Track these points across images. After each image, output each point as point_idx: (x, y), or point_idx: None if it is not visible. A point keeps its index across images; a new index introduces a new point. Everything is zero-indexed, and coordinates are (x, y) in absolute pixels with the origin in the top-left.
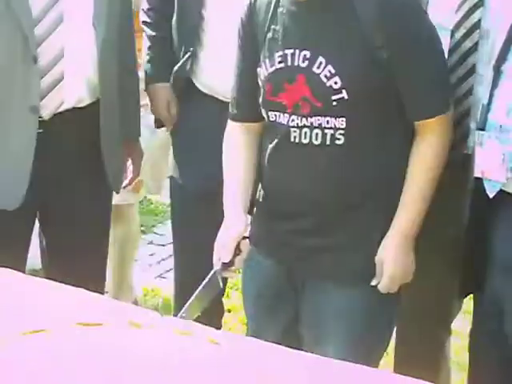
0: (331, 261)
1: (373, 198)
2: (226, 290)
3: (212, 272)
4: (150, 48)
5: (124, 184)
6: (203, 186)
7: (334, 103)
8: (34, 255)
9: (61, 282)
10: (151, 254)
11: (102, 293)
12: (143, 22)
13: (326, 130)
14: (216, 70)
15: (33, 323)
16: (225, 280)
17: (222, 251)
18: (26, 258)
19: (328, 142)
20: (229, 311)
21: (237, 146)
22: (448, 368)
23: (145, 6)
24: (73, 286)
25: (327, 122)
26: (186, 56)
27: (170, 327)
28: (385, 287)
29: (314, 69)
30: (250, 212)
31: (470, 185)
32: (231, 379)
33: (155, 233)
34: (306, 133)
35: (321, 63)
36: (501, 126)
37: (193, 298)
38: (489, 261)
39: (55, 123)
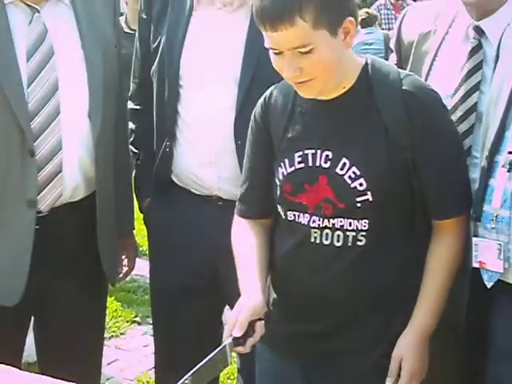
0: (347, 364)
1: (390, 298)
2: (222, 377)
3: (222, 345)
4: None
5: (119, 277)
6: (180, 281)
7: (358, 205)
8: (29, 347)
9: (56, 376)
10: (146, 346)
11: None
12: (130, 109)
13: (348, 232)
14: (189, 166)
15: None
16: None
17: (234, 326)
18: (22, 352)
19: (349, 244)
20: None
21: (246, 234)
22: None
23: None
24: (68, 381)
25: (349, 223)
26: (163, 150)
27: None
28: None
29: (338, 170)
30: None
31: (468, 274)
32: None
33: (150, 324)
34: (327, 234)
35: (344, 164)
36: (496, 217)
37: (198, 366)
38: (489, 350)
39: (52, 218)
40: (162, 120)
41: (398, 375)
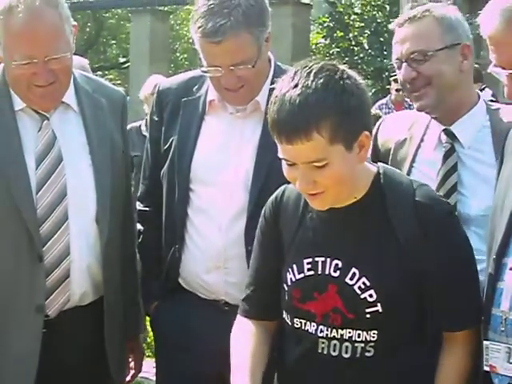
0: None
1: None
2: None
3: None
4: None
5: (126, 380)
6: (189, 381)
7: (368, 316)
8: None
9: None
10: None
11: None
12: (139, 210)
13: (357, 344)
14: (196, 270)
15: None
16: None
17: None
18: None
19: (358, 355)
20: None
21: (245, 337)
22: None
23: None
24: None
25: (358, 335)
26: (171, 254)
27: None
28: None
29: (347, 279)
30: None
31: (480, 379)
32: None
33: None
34: (335, 345)
35: (354, 274)
36: (505, 320)
37: None
38: None
39: (59, 322)
40: (171, 223)
41: None
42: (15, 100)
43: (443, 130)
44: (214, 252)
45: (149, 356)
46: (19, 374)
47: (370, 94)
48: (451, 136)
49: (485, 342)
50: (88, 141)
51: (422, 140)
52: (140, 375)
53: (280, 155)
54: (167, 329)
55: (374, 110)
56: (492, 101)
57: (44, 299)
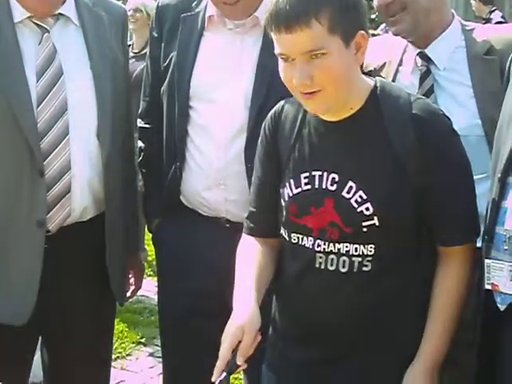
0: None
1: (397, 324)
2: None
3: (217, 382)
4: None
5: (126, 297)
6: (188, 303)
7: (364, 229)
8: (35, 367)
9: None
10: (151, 367)
11: None
12: (140, 127)
13: (354, 258)
14: (197, 188)
15: None
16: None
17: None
18: (30, 372)
19: (355, 270)
20: None
21: (250, 252)
22: None
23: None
24: None
25: (355, 249)
26: (172, 171)
27: None
28: None
29: (344, 193)
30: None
31: (481, 297)
32: None
33: (156, 345)
34: (332, 259)
35: (351, 188)
36: (509, 238)
37: None
38: (503, 375)
39: (60, 238)
40: (171, 140)
41: None
42: (15, 12)
43: (418, 54)
44: (213, 169)
45: (150, 275)
46: (22, 288)
47: None
48: (426, 59)
49: (486, 261)
50: (89, 55)
51: (400, 64)
52: (141, 294)
53: (277, 51)
54: (169, 246)
55: (379, 32)
56: (501, 22)
57: (45, 214)
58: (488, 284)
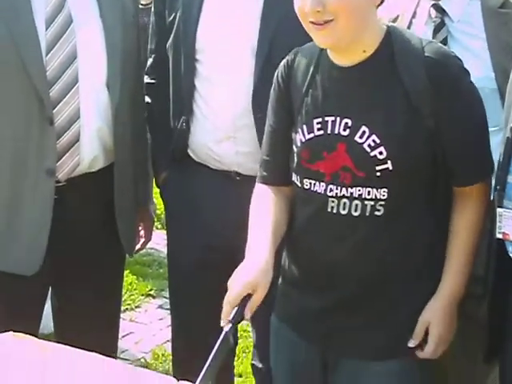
0: (362, 338)
1: (408, 270)
2: (238, 351)
3: (223, 334)
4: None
5: (136, 248)
6: (196, 256)
7: (378, 174)
8: (45, 318)
9: (73, 346)
10: (160, 319)
11: (115, 356)
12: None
13: (367, 202)
14: (206, 141)
15: None
16: (236, 340)
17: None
18: (40, 322)
19: (367, 214)
20: (240, 376)
21: (265, 203)
22: None
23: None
24: (85, 349)
25: (368, 192)
26: (179, 125)
27: None
28: (431, 352)
29: (357, 138)
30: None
31: (494, 246)
32: None
33: (165, 297)
34: (344, 203)
35: (364, 132)
36: None
37: (206, 366)
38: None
39: (70, 188)
40: (178, 95)
41: (423, 340)
42: None
43: (432, 5)
44: (222, 122)
45: (159, 228)
46: (32, 238)
47: None
48: (440, 10)
49: (498, 210)
50: (98, 3)
51: (413, 16)
52: (150, 247)
53: None
54: (177, 200)
55: None
56: None
57: (55, 163)
58: (499, 233)
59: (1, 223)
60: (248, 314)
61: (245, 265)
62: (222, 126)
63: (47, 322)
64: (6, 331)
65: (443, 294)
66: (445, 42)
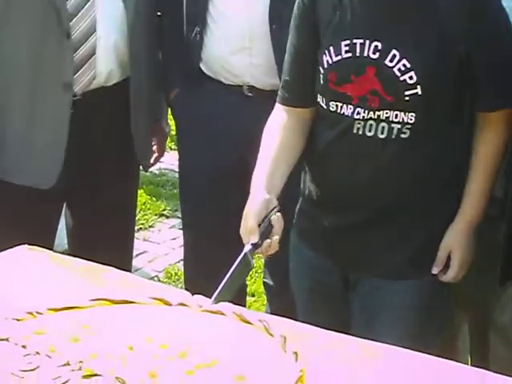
0: (383, 258)
1: (432, 193)
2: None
3: (242, 254)
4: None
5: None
6: (207, 175)
7: (407, 98)
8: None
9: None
10: (174, 238)
11: (130, 271)
12: None
13: (393, 125)
14: (220, 53)
15: (61, 300)
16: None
17: (248, 234)
18: (54, 238)
19: (393, 136)
20: (252, 295)
21: (278, 127)
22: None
23: None
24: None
25: (395, 116)
26: (193, 37)
27: (201, 306)
28: (454, 276)
29: (387, 62)
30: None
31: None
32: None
33: (178, 217)
34: (371, 125)
35: (394, 56)
36: None
37: (224, 282)
38: None
39: (86, 102)
40: (191, 5)
41: (445, 266)
42: None
43: None
44: (237, 32)
45: (173, 149)
46: (48, 151)
47: None
48: None
49: None
50: None
51: None
52: (164, 167)
53: None
54: (188, 118)
55: None
56: None
57: (71, 76)
58: None
59: (18, 137)
60: (278, 230)
61: (248, 207)
62: (237, 36)
63: (61, 239)
64: (20, 244)
65: (464, 218)
66: None
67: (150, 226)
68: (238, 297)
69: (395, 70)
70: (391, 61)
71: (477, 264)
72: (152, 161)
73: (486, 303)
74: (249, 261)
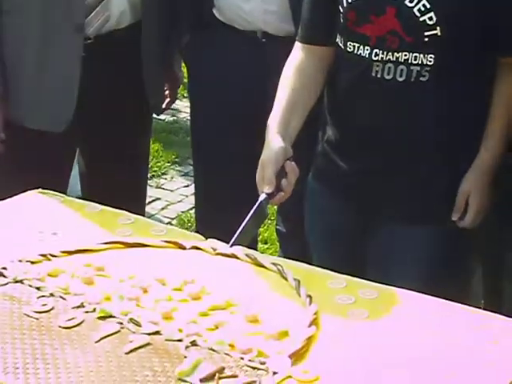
0: (402, 203)
1: (452, 138)
2: None
3: (258, 202)
4: None
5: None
6: (217, 123)
7: (426, 39)
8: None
9: None
10: (186, 186)
11: (143, 215)
12: None
13: (412, 67)
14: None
15: (75, 243)
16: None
17: (264, 183)
18: (68, 183)
19: (413, 79)
20: (265, 242)
21: (295, 70)
22: None
23: None
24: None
25: (415, 57)
26: None
27: (215, 249)
28: (471, 221)
29: (407, 2)
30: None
31: None
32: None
33: (190, 164)
34: (389, 68)
35: None
36: None
37: (239, 231)
38: None
39: (98, 46)
40: None
41: (463, 212)
42: None
43: None
44: None
45: (186, 96)
46: (61, 94)
47: None
48: None
49: None
50: None
51: None
52: (177, 114)
53: None
54: (200, 64)
55: None
56: None
57: (84, 18)
58: None
59: (30, 80)
60: (292, 179)
61: (264, 155)
62: None
63: (74, 186)
64: (33, 189)
65: (482, 164)
66: None
67: (163, 174)
68: (251, 244)
69: (415, 10)
70: (411, 1)
71: (494, 211)
72: (164, 105)
73: (500, 249)
74: (263, 210)
